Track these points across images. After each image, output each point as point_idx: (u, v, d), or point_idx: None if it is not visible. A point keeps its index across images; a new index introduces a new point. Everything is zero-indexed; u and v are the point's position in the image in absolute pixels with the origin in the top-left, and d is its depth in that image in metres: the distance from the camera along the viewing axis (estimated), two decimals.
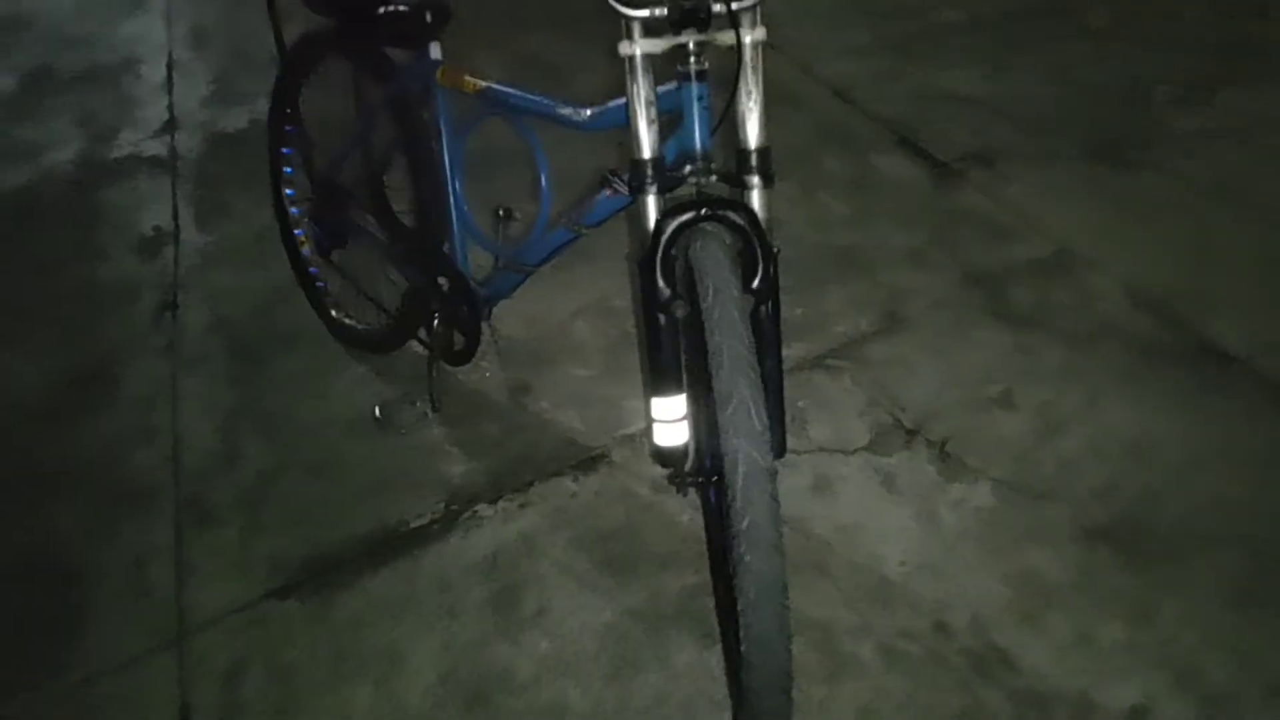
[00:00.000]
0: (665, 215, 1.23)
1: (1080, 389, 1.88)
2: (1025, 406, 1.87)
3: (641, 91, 1.24)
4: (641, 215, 1.28)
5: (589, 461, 1.86)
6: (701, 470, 1.37)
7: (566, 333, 2.18)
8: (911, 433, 1.82)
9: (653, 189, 1.26)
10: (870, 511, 1.68)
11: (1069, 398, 1.87)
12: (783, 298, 1.23)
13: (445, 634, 1.58)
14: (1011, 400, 1.89)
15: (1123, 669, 1.42)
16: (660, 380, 1.30)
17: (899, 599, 1.54)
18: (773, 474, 1.02)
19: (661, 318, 1.27)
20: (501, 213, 1.76)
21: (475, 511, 1.80)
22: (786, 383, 1.29)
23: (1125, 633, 1.47)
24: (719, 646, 1.52)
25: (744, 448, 1.01)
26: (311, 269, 2.18)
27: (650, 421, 1.34)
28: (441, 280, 1.82)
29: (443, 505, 1.82)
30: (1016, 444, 1.79)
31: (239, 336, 2.27)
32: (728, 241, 1.21)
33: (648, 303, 1.27)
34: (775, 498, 1.02)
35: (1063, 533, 1.63)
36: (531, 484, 1.83)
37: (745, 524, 1.00)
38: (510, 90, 1.58)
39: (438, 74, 1.66)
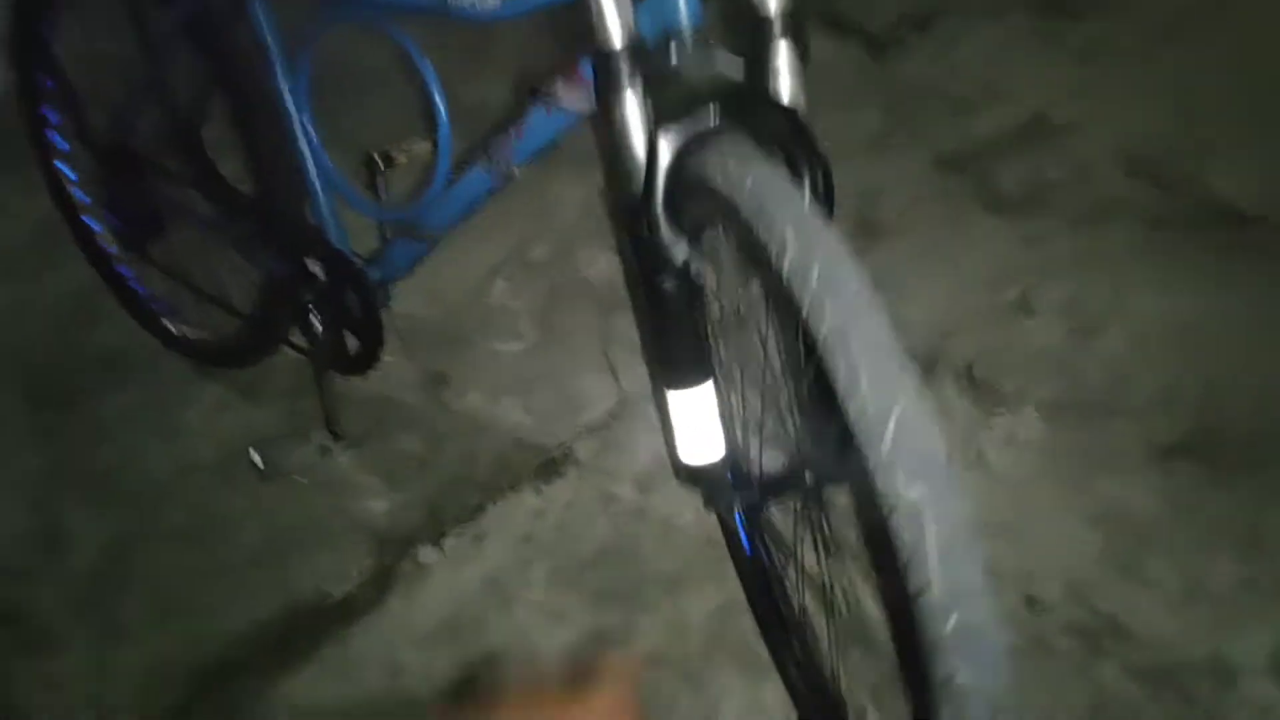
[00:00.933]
0: (661, 126, 0.79)
1: (1103, 279, 1.61)
2: (1048, 308, 1.58)
3: None
4: (616, 132, 0.84)
5: (549, 465, 1.45)
6: (753, 486, 0.98)
7: (483, 299, 1.73)
8: (929, 361, 1.50)
9: (634, 89, 0.81)
10: None
11: (1094, 291, 1.59)
12: None
13: None
14: (1031, 303, 1.59)
15: (1248, 612, 1.18)
16: (677, 370, 0.90)
17: None
18: (977, 530, 0.63)
19: (671, 283, 0.85)
20: (378, 159, 1.26)
21: (416, 559, 1.37)
22: None
23: (1237, 566, 1.23)
24: (773, 678, 1.18)
25: (919, 487, 0.61)
26: (121, 269, 1.62)
27: (669, 430, 0.94)
28: (311, 264, 1.31)
29: (370, 560, 1.38)
30: (1052, 355, 1.51)
31: (35, 375, 1.68)
32: (763, 153, 0.80)
33: (651, 264, 0.84)
34: (988, 573, 0.63)
35: (1134, 455, 1.36)
36: (482, 508, 1.41)
37: (951, 625, 0.61)
38: None
39: None
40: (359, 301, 1.31)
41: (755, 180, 0.74)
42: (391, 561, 1.39)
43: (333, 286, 1.32)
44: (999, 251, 1.69)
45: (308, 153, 1.28)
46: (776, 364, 0.93)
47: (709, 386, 0.92)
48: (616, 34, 0.81)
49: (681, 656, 1.24)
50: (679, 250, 0.82)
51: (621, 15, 0.80)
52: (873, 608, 1.13)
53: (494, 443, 1.51)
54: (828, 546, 0.99)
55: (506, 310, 1.72)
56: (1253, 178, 1.76)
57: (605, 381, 1.56)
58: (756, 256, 0.74)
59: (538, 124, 1.02)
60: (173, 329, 1.63)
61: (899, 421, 0.61)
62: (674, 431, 0.94)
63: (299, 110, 1.26)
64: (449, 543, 1.40)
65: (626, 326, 1.64)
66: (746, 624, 1.25)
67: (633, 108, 0.83)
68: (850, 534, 1.05)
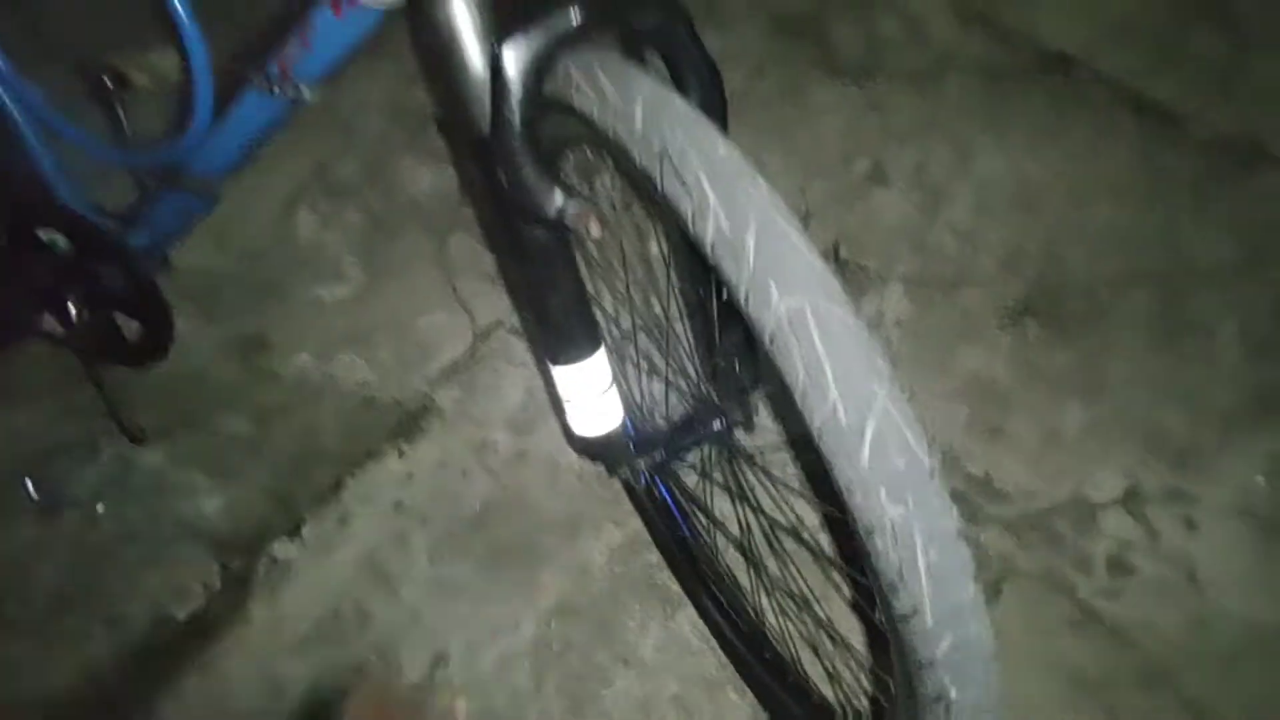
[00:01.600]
0: (505, 32, 0.61)
1: (946, 142, 1.59)
2: (900, 177, 1.55)
3: None
4: (443, 43, 0.65)
5: (409, 422, 1.29)
6: (657, 446, 0.87)
7: (288, 238, 1.47)
8: None
9: None
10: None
11: (939, 155, 1.57)
12: None
13: None
14: (884, 173, 1.55)
15: (1098, 454, 1.26)
16: (562, 341, 0.76)
17: None
18: (966, 540, 0.55)
19: (543, 236, 0.70)
20: (107, 79, 0.96)
21: (273, 558, 1.19)
22: None
23: (1086, 412, 1.30)
24: (685, 609, 1.14)
25: (902, 506, 0.52)
26: None
27: (558, 403, 0.81)
28: (46, 235, 1.02)
29: (215, 567, 1.18)
30: (908, 228, 1.49)
31: None
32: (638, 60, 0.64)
33: (514, 218, 0.68)
34: (979, 587, 0.56)
35: (989, 321, 1.39)
36: (339, 484, 1.24)
37: (944, 647, 0.54)
38: None
39: None
40: (121, 275, 1.03)
41: (635, 96, 0.59)
42: (243, 565, 1.20)
43: (79, 259, 1.03)
44: (845, 120, 1.62)
45: None
46: (675, 312, 0.81)
47: (600, 355, 0.79)
48: None
49: (590, 603, 1.17)
50: (547, 196, 0.66)
51: None
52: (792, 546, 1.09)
53: (338, 408, 1.32)
54: (743, 491, 0.92)
55: (320, 247, 1.48)
56: (1071, 20, 1.76)
57: (456, 317, 1.39)
58: (647, 192, 0.61)
59: (326, 29, 0.78)
60: None
61: (876, 431, 0.52)
62: (564, 405, 0.81)
63: None
64: (308, 530, 1.22)
65: (469, 249, 1.46)
66: (651, 558, 1.19)
67: (461, 6, 0.64)
68: (763, 474, 0.99)
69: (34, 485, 1.15)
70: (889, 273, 1.45)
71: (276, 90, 0.82)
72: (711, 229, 0.56)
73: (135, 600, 1.18)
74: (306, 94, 0.82)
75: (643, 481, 0.90)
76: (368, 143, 1.59)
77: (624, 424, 0.84)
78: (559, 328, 0.76)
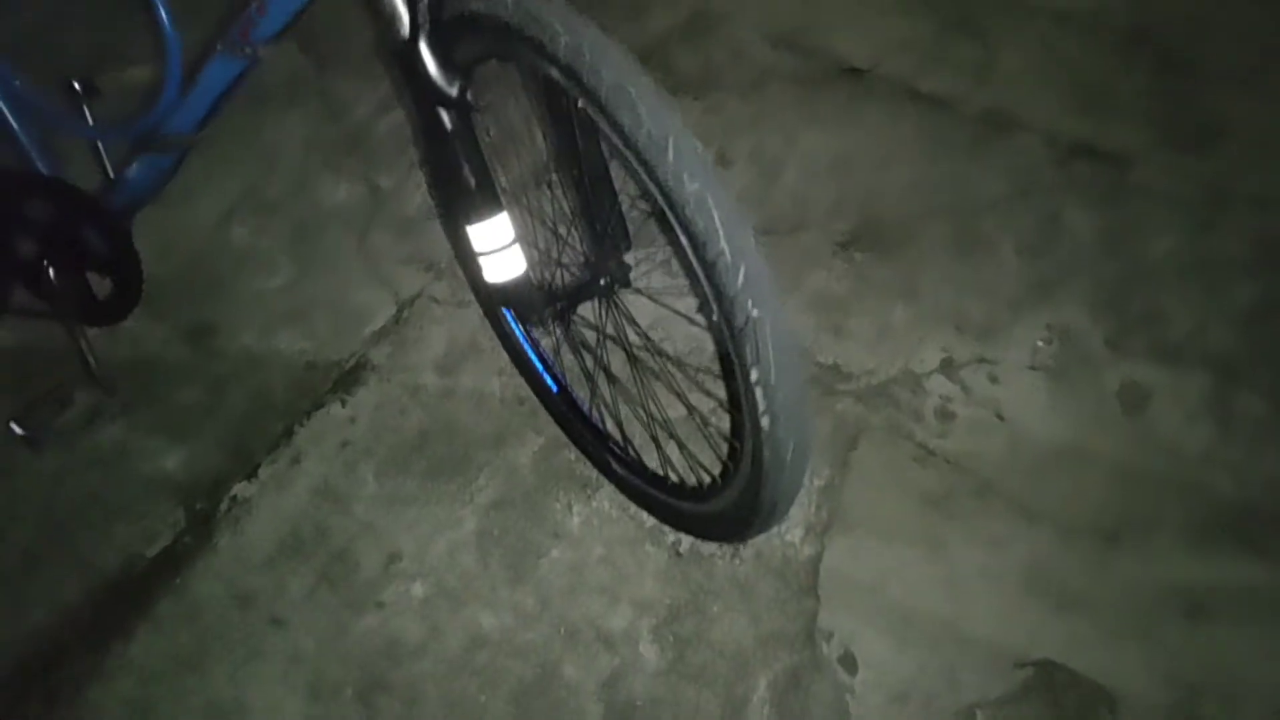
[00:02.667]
0: None
1: (774, 131, 1.91)
2: (740, 159, 1.85)
3: None
4: None
5: (347, 377, 1.45)
6: (557, 297, 1.09)
7: (225, 246, 1.63)
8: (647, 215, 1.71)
9: None
10: (661, 314, 1.51)
11: (768, 141, 1.89)
12: None
13: (285, 648, 1.16)
14: (726, 157, 1.85)
15: (919, 338, 1.53)
16: (473, 199, 0.97)
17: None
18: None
19: (449, 115, 0.92)
20: (78, 85, 1.15)
21: (234, 497, 1.31)
22: None
23: (908, 310, 1.58)
24: (604, 489, 1.32)
25: (731, 235, 0.77)
26: None
27: (472, 264, 1.02)
28: (29, 207, 1.17)
29: (180, 510, 1.29)
30: (753, 193, 1.78)
31: None
32: None
33: (427, 104, 0.91)
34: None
35: (825, 252, 1.67)
36: (290, 432, 1.38)
37: (741, 278, 0.78)
38: None
39: None
40: (103, 236, 1.19)
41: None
42: (206, 506, 1.31)
43: (65, 225, 1.18)
44: (690, 123, 1.93)
45: None
46: (565, 178, 1.04)
47: (503, 217, 1.00)
48: None
49: (522, 495, 1.33)
50: (452, 81, 0.89)
51: None
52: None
53: (283, 372, 1.47)
54: (629, 341, 1.14)
55: (255, 250, 1.65)
56: (859, 41, 2.17)
57: (381, 292, 1.57)
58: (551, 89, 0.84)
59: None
60: None
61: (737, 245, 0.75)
62: (477, 262, 1.01)
63: None
64: (264, 471, 1.35)
65: (387, 241, 1.65)
66: (569, 454, 1.37)
67: None
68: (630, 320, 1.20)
69: (21, 423, 1.24)
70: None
71: (238, 52, 1.02)
72: (630, 121, 0.77)
73: (106, 548, 1.26)
74: (262, 53, 1.03)
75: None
76: (289, 168, 1.79)
77: (528, 276, 1.04)
78: (468, 193, 0.96)
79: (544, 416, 1.38)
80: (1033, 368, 1.47)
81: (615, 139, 0.78)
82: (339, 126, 1.83)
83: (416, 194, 1.72)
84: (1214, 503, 1.30)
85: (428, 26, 0.86)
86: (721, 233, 0.75)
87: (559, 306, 1.07)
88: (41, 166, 1.16)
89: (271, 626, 1.18)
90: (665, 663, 1.16)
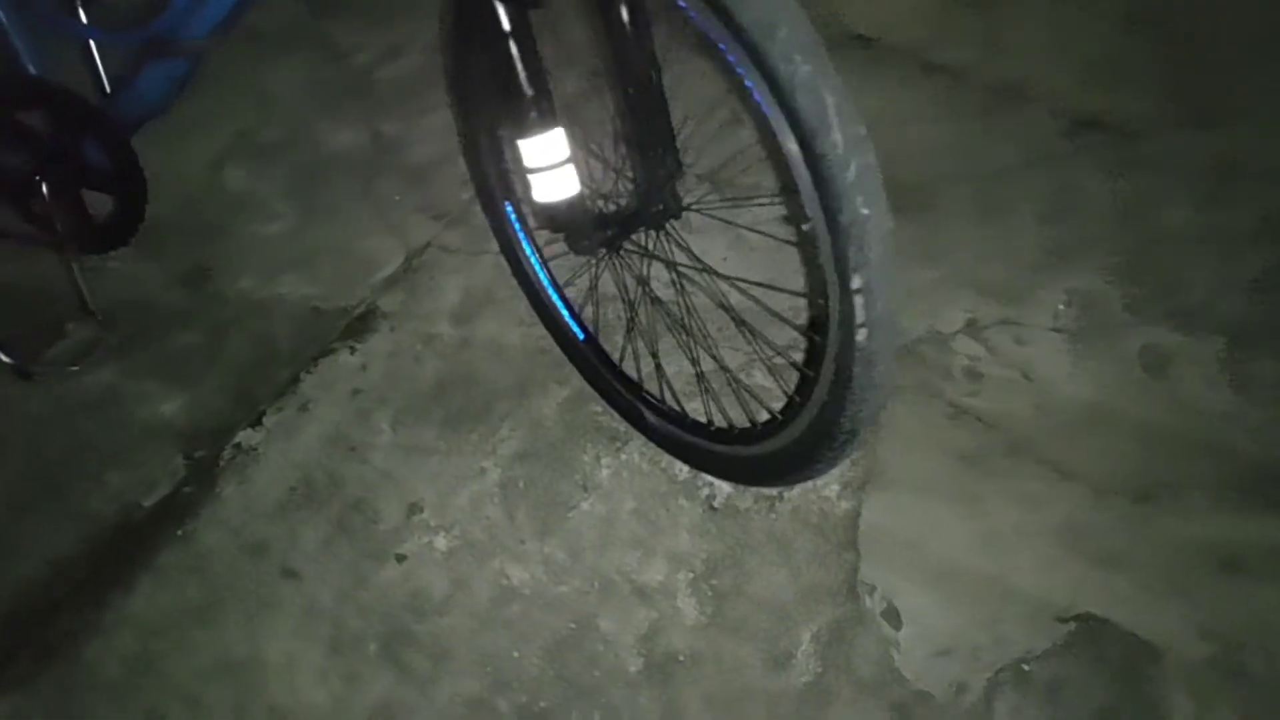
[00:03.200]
0: None
1: None
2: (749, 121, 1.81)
3: None
4: None
5: (357, 324, 1.37)
6: (608, 224, 1.03)
7: (219, 190, 1.53)
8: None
9: None
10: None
11: None
12: None
13: (300, 600, 1.08)
14: (740, 117, 1.81)
15: (943, 300, 1.51)
16: (527, 111, 0.91)
17: None
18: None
19: (507, 11, 0.86)
20: None
21: (237, 444, 1.22)
22: None
23: (930, 273, 1.56)
24: (632, 441, 1.27)
25: (845, 125, 0.72)
26: None
27: (523, 181, 0.96)
28: (25, 115, 1.06)
29: (180, 457, 1.20)
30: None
31: None
32: None
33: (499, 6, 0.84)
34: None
35: None
36: (296, 379, 1.30)
37: (852, 172, 0.73)
38: None
39: None
40: (105, 149, 1.08)
41: None
42: (208, 454, 1.22)
43: (64, 135, 1.07)
44: (708, 87, 1.89)
45: None
46: (622, 103, 0.98)
47: (559, 132, 0.95)
48: None
49: (547, 446, 1.26)
50: None
51: None
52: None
53: (287, 318, 1.38)
54: (678, 273, 1.09)
55: (252, 194, 1.55)
56: (871, 12, 2.16)
57: (389, 240, 1.49)
58: None
59: None
60: None
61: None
62: (528, 180, 0.95)
63: None
64: (270, 419, 1.26)
65: (393, 189, 1.57)
66: (595, 407, 1.31)
67: None
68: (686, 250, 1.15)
69: (5, 353, 1.13)
70: (758, 190, 1.69)
71: None
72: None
73: (100, 497, 1.16)
74: None
75: (598, 252, 1.04)
76: (286, 113, 1.69)
77: (580, 198, 0.98)
78: (525, 102, 0.89)
79: (568, 368, 1.32)
80: (1055, 330, 1.46)
81: (713, 19, 0.73)
82: (338, 72, 1.74)
83: (421, 143, 1.64)
84: (1238, 462, 1.29)
85: None
86: (835, 122, 0.70)
87: (609, 233, 1.01)
88: (33, 69, 1.05)
89: (285, 577, 1.10)
90: (704, 616, 1.11)
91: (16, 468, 1.16)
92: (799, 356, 1.25)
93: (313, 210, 1.50)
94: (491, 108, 1.08)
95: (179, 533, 1.12)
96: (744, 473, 1.10)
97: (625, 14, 0.90)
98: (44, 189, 1.05)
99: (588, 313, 1.25)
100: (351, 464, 1.19)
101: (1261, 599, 1.14)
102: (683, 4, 0.74)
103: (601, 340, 1.24)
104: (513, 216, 1.23)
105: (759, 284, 1.24)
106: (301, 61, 1.71)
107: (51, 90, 1.01)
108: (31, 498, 1.14)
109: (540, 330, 1.33)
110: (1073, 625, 1.12)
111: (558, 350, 1.32)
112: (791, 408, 0.95)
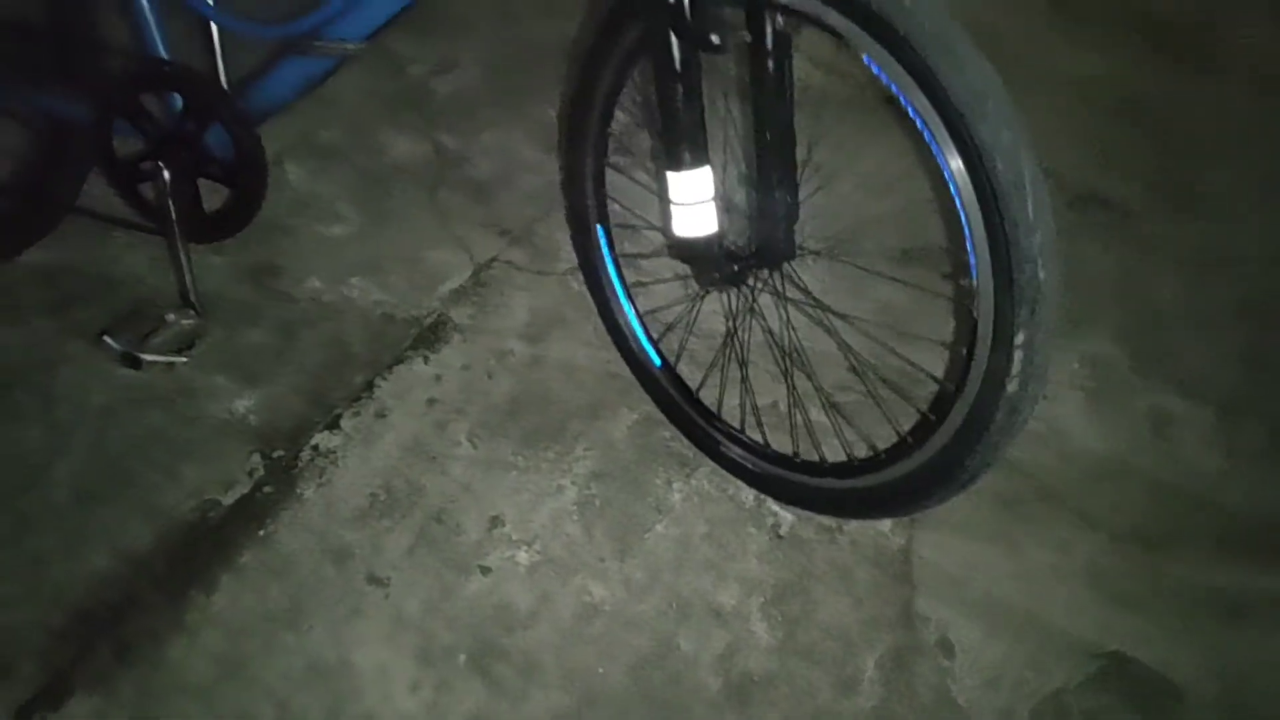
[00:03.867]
0: None
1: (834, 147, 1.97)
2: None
3: None
4: None
5: (429, 334, 1.38)
6: (734, 261, 1.08)
7: (282, 187, 1.51)
8: None
9: None
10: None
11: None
12: None
13: (387, 608, 1.07)
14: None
15: None
16: (681, 149, 0.96)
17: None
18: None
19: (685, 59, 0.91)
20: None
21: (315, 446, 1.21)
22: None
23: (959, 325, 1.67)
24: (701, 467, 1.32)
25: (1038, 197, 0.79)
26: None
27: (668, 205, 1.00)
28: (149, 99, 1.04)
29: (258, 456, 1.18)
30: (816, 200, 1.82)
31: None
32: None
33: (680, 34, 0.89)
34: None
35: (884, 266, 1.73)
36: (372, 384, 1.29)
37: (1038, 239, 0.80)
38: None
39: None
40: (232, 138, 1.06)
41: None
42: (285, 454, 1.20)
43: (193, 121, 1.04)
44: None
45: None
46: (757, 147, 1.04)
47: (708, 170, 1.00)
48: None
49: (621, 468, 1.29)
50: (714, 24, 0.88)
51: None
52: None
53: (358, 322, 1.37)
54: (793, 308, 1.14)
55: (315, 194, 1.53)
56: None
57: (456, 253, 1.50)
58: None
59: None
60: None
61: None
62: (669, 209, 1.00)
63: None
64: (347, 423, 1.25)
65: (458, 201, 1.58)
66: (665, 433, 1.34)
67: None
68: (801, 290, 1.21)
69: (113, 339, 1.08)
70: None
71: None
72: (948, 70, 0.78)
73: (175, 491, 1.13)
74: None
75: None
76: (346, 116, 1.68)
77: (716, 237, 1.03)
78: (683, 137, 0.93)
79: (637, 393, 1.36)
80: (1073, 388, 1.58)
81: (919, 90, 0.79)
82: (396, 82, 1.74)
83: (483, 158, 1.66)
84: (1233, 519, 1.43)
85: None
86: (1030, 190, 0.78)
87: (735, 269, 1.06)
88: (162, 51, 1.03)
89: (371, 585, 1.09)
90: (776, 640, 1.16)
91: (83, 457, 1.12)
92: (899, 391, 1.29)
93: (377, 216, 1.49)
94: (601, 131, 1.12)
95: (260, 533, 1.10)
96: (828, 503, 1.16)
97: (772, 65, 0.96)
98: (164, 175, 1.03)
99: (665, 342, 1.29)
100: (432, 474, 1.19)
101: (1263, 645, 1.27)
102: (876, 68, 0.80)
103: (677, 368, 1.29)
104: (603, 240, 1.26)
105: (871, 321, 1.29)
106: (359, 68, 1.71)
107: (184, 75, 0.99)
108: (100, 488, 1.10)
109: (607, 354, 1.37)
110: (1105, 661, 1.21)
111: (627, 374, 1.36)
112: (902, 448, 1.02)
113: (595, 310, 1.31)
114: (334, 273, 1.38)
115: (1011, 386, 0.81)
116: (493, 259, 1.46)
